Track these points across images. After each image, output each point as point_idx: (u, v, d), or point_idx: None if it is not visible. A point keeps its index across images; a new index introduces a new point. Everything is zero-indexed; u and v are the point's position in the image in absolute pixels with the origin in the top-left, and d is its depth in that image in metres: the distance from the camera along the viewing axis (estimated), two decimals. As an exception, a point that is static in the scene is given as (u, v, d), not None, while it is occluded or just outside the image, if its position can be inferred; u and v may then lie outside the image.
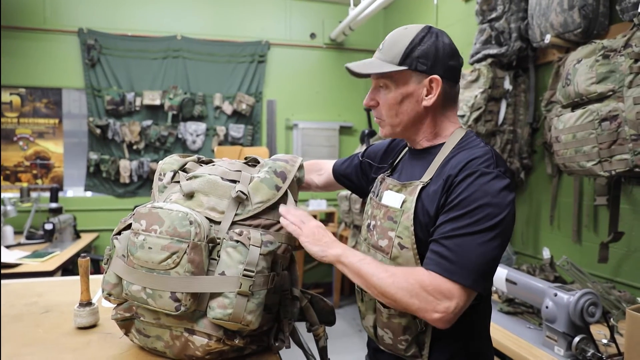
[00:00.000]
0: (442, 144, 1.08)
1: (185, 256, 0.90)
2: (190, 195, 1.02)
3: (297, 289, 1.16)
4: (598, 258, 2.08)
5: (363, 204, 3.26)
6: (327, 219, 4.56)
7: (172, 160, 1.14)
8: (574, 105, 1.86)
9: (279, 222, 1.03)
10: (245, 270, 0.92)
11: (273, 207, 1.03)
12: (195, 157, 1.18)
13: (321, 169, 1.50)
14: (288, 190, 1.06)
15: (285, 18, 4.80)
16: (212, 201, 1.01)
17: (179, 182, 1.07)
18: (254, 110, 4.65)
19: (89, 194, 4.42)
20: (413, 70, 1.03)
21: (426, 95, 1.04)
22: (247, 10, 4.69)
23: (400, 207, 1.04)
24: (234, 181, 1.04)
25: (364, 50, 5.01)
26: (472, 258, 0.90)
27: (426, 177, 1.03)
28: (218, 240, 0.96)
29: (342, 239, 4.00)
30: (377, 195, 1.15)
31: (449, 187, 0.97)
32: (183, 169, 1.13)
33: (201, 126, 4.49)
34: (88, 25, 4.25)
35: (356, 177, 1.38)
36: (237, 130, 4.57)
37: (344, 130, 4.95)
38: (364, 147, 1.44)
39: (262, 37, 4.70)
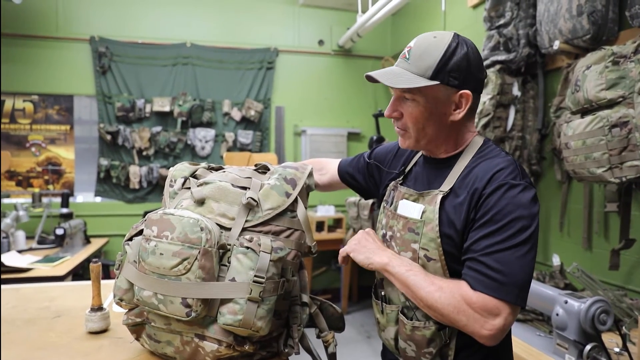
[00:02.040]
0: (461, 152, 1.06)
1: (196, 262, 0.91)
2: (201, 202, 1.03)
3: (307, 295, 1.16)
4: (609, 265, 2.06)
5: (371, 210, 3.26)
6: (335, 224, 4.56)
7: (183, 167, 1.15)
8: (584, 112, 1.86)
9: (288, 228, 1.04)
10: (255, 276, 0.92)
11: (283, 214, 1.04)
12: (205, 164, 1.19)
13: (323, 168, 1.48)
14: (298, 197, 1.07)
15: (293, 25, 4.84)
16: (223, 207, 1.02)
17: (189, 188, 1.08)
18: (262, 116, 4.67)
19: (99, 199, 4.46)
20: (445, 84, 1.00)
21: (454, 110, 1.02)
22: (256, 18, 4.73)
23: (421, 218, 1.02)
24: (245, 188, 1.05)
25: (372, 57, 5.02)
26: (513, 273, 0.89)
27: (446, 187, 1.01)
28: (228, 247, 0.96)
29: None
30: (392, 205, 1.13)
31: (477, 200, 0.95)
32: (194, 175, 1.14)
33: (210, 132, 4.52)
34: (99, 33, 4.31)
35: (363, 178, 1.35)
36: (245, 136, 4.60)
37: (352, 136, 4.96)
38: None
39: (271, 44, 4.73)
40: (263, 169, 1.14)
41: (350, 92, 4.98)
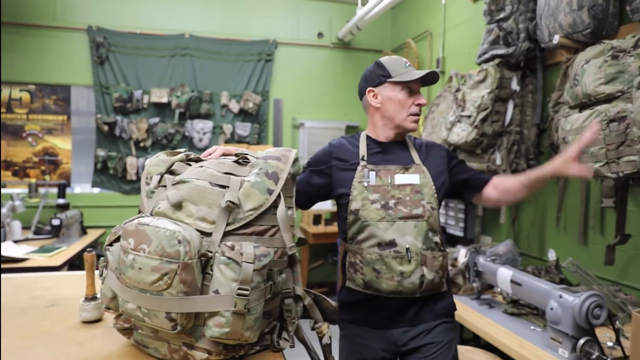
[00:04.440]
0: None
1: (177, 277, 0.87)
2: (178, 205, 0.98)
3: (300, 288, 1.15)
4: (604, 260, 2.06)
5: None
6: (332, 218, 4.56)
7: (159, 162, 1.09)
8: (582, 106, 1.85)
9: (273, 226, 1.00)
10: (239, 289, 0.89)
11: (266, 212, 0.99)
12: (182, 155, 1.12)
13: None
14: (281, 193, 1.02)
15: (292, 17, 4.81)
16: (202, 211, 0.97)
17: (166, 186, 1.04)
18: (260, 108, 4.66)
19: (96, 190, 4.45)
20: None
21: None
22: (255, 9, 4.70)
23: (419, 182, 1.46)
24: (224, 186, 1.00)
25: (371, 50, 5.00)
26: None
27: (417, 159, 1.53)
28: (210, 254, 0.93)
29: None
30: (382, 180, 1.47)
31: (449, 157, 1.59)
32: (170, 171, 1.08)
33: (208, 124, 4.50)
34: (97, 22, 4.28)
35: (308, 187, 1.56)
36: (243, 128, 4.59)
37: (351, 129, 4.95)
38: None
39: (270, 36, 4.71)
40: (244, 159, 1.08)
41: (349, 86, 4.96)
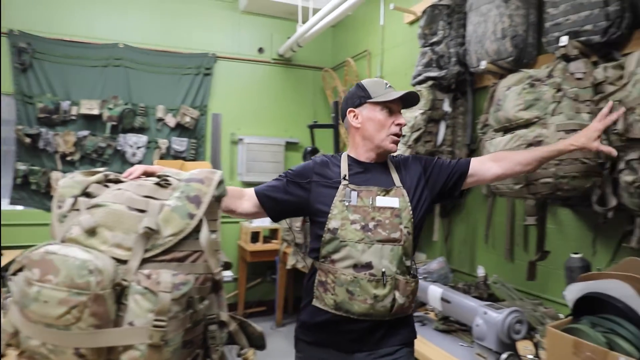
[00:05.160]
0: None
1: (87, 310, 0.82)
2: (92, 231, 0.92)
3: (225, 313, 1.11)
4: (526, 276, 2.16)
5: (304, 222, 3.25)
6: (270, 235, 4.50)
7: (73, 183, 1.02)
8: (505, 130, 1.95)
9: (195, 251, 0.96)
10: (155, 320, 0.85)
11: (187, 237, 0.95)
12: (100, 175, 1.07)
13: (244, 195, 1.55)
14: (204, 218, 0.98)
15: (233, 31, 4.76)
16: (118, 237, 0.91)
17: (79, 210, 0.97)
18: (198, 123, 4.55)
19: (19, 207, 4.13)
20: None
21: None
22: (194, 22, 4.61)
23: (399, 206, 1.45)
24: (143, 210, 0.95)
25: (312, 67, 5.05)
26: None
27: (398, 181, 1.51)
28: (126, 283, 0.87)
29: (285, 256, 3.95)
30: (363, 202, 1.45)
31: (424, 167, 1.57)
32: (86, 193, 1.01)
33: (142, 138, 4.33)
34: (20, 26, 4.01)
35: (283, 195, 1.53)
36: (180, 143, 4.45)
37: (290, 146, 4.93)
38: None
39: (209, 49, 4.63)
40: (165, 182, 1.04)
41: (289, 102, 4.97)
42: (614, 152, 1.47)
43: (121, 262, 0.90)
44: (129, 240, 0.91)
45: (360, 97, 1.53)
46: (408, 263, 1.46)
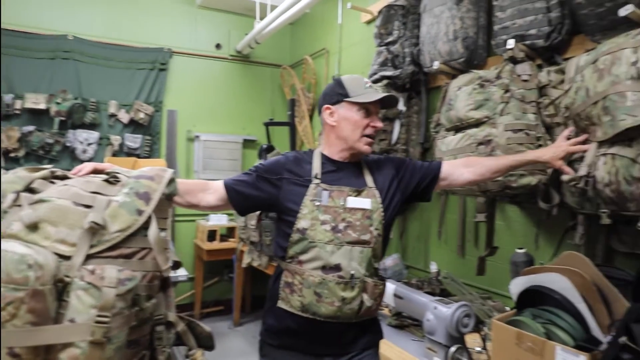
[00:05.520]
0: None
1: (24, 306, 0.78)
2: (34, 226, 0.89)
3: (173, 314, 1.09)
4: (476, 271, 2.23)
5: (259, 220, 3.23)
6: (228, 234, 4.45)
7: (15, 178, 0.98)
8: (456, 129, 2.00)
9: (143, 248, 0.94)
10: (98, 316, 0.82)
11: (135, 234, 0.93)
12: (46, 171, 1.03)
13: (210, 188, 1.48)
14: (153, 215, 0.97)
15: (190, 26, 4.66)
16: (62, 232, 0.89)
17: (21, 205, 0.93)
18: (153, 120, 4.42)
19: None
20: None
21: None
22: (149, 15, 4.48)
23: (370, 207, 1.42)
24: (89, 206, 0.92)
25: (270, 65, 5.01)
26: None
27: (370, 182, 1.48)
28: (68, 279, 0.84)
29: (243, 254, 3.91)
30: (334, 201, 1.41)
31: (397, 169, 1.55)
32: (30, 188, 0.98)
33: (93, 135, 4.17)
34: (-41, 16, 3.78)
35: (252, 190, 1.48)
36: (133, 140, 4.32)
37: (248, 143, 4.88)
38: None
39: (165, 44, 4.50)
40: (114, 179, 1.02)
41: (247, 99, 4.91)
42: (572, 173, 1.53)
43: (65, 258, 0.87)
44: (73, 236, 0.89)
45: (338, 94, 1.49)
46: (376, 265, 1.46)
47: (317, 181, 1.44)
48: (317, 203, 1.41)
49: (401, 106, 2.75)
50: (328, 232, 1.39)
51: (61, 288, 0.84)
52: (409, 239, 3.04)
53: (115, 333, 0.85)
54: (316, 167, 1.48)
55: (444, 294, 2.38)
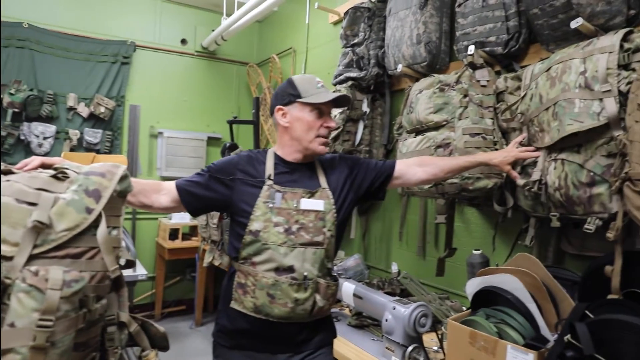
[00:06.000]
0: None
1: None
2: None
3: (126, 314, 1.06)
4: (436, 272, 2.27)
5: (220, 219, 3.19)
6: (190, 232, 4.37)
7: None
8: (417, 132, 2.03)
9: (92, 247, 0.91)
10: (40, 320, 0.79)
11: (84, 233, 0.90)
12: None
13: (163, 189, 1.46)
14: (102, 213, 0.93)
15: (154, 20, 4.56)
16: (4, 232, 0.84)
17: None
18: (114, 114, 4.30)
19: None
20: None
21: None
22: (111, 6, 4.35)
23: (324, 209, 1.43)
24: (33, 204, 0.88)
25: (237, 62, 4.96)
26: None
27: (324, 183, 1.49)
28: (9, 281, 0.80)
29: (204, 253, 3.85)
30: (287, 204, 1.41)
31: (351, 168, 1.56)
32: None
33: (50, 128, 4.02)
34: None
35: (204, 191, 1.46)
36: (93, 135, 4.19)
37: (212, 141, 4.81)
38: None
39: (128, 37, 4.39)
40: (63, 175, 0.97)
41: (212, 96, 4.84)
42: (519, 178, 1.60)
43: (6, 258, 0.83)
44: (15, 235, 0.84)
45: (290, 95, 1.48)
46: (329, 265, 1.48)
47: (271, 182, 1.44)
48: (270, 205, 1.40)
49: (365, 107, 2.78)
50: (281, 234, 1.39)
51: (1, 291, 0.80)
52: (371, 240, 3.07)
53: (59, 337, 0.81)
54: (269, 167, 1.48)
55: (404, 294, 2.41)
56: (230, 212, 1.49)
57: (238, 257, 1.44)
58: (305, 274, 1.39)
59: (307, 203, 1.43)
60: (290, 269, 1.38)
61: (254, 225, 1.39)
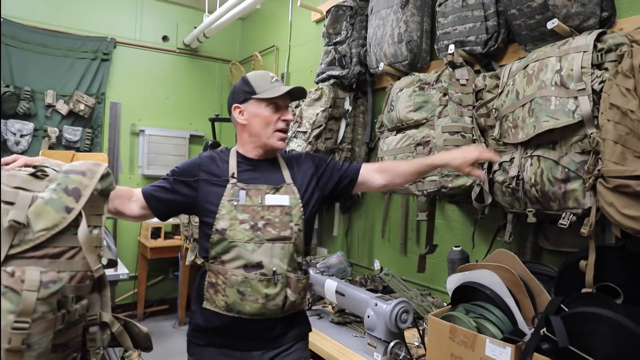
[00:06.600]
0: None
1: None
2: None
3: (108, 314, 1.04)
4: (417, 268, 2.30)
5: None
6: (173, 231, 4.34)
7: None
8: (397, 130, 2.05)
9: (72, 247, 0.89)
10: (16, 322, 0.77)
11: (64, 232, 0.88)
12: None
13: (133, 196, 1.47)
14: (82, 212, 0.92)
15: (135, 16, 4.50)
16: None
17: None
18: (94, 112, 4.24)
19: None
20: None
21: None
22: (91, 1, 4.27)
23: (289, 204, 1.45)
24: (11, 203, 0.86)
25: (219, 59, 4.93)
26: None
27: (288, 179, 1.50)
28: None
29: (187, 252, 3.83)
30: (252, 200, 1.43)
31: (317, 166, 1.58)
32: None
33: (28, 126, 3.94)
34: None
35: (169, 195, 1.47)
36: (73, 133, 4.12)
37: (195, 139, 4.77)
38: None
39: (108, 33, 4.32)
40: (42, 172, 0.95)
41: (194, 94, 4.81)
42: (483, 178, 1.62)
43: None
44: None
45: (245, 92, 1.51)
46: (299, 260, 1.48)
47: (234, 181, 1.45)
48: (235, 203, 1.42)
49: (347, 106, 2.79)
50: (247, 231, 1.40)
51: None
52: (353, 237, 3.09)
53: (36, 339, 0.80)
54: (232, 166, 1.49)
55: (386, 291, 2.44)
56: (197, 213, 1.51)
57: (208, 256, 1.45)
58: (274, 269, 1.40)
59: (272, 199, 1.45)
60: (258, 265, 1.39)
61: (220, 224, 1.41)
